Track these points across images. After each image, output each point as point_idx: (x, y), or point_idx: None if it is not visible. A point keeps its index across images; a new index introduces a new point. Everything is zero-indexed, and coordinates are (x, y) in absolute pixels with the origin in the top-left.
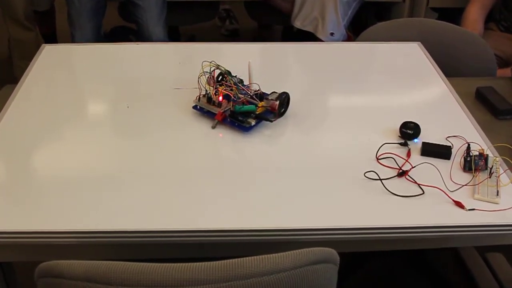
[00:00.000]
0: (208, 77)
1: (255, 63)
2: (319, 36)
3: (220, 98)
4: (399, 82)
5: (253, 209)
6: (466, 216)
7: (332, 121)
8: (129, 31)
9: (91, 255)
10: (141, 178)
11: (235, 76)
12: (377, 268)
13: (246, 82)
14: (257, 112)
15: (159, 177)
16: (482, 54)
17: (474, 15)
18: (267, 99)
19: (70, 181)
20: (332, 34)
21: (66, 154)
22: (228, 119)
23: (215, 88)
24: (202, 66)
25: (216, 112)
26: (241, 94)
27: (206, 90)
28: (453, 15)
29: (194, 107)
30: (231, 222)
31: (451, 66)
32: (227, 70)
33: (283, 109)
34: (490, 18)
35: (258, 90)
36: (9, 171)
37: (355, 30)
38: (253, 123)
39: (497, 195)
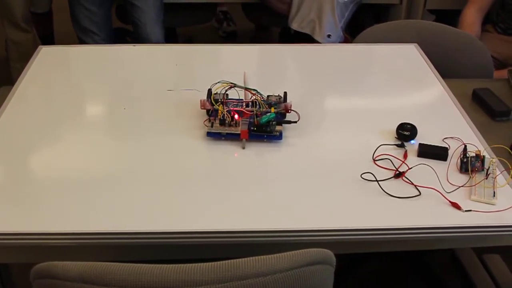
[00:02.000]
0: (205, 100)
1: (253, 64)
2: (316, 38)
3: (236, 116)
4: (396, 83)
5: (250, 211)
6: (463, 217)
7: (328, 123)
8: (125, 32)
9: (89, 257)
10: (139, 179)
11: (257, 91)
12: (374, 269)
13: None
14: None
15: (156, 178)
16: (479, 56)
17: (471, 17)
18: (270, 103)
19: (67, 182)
20: (329, 36)
21: (62, 156)
22: (253, 134)
23: (226, 108)
24: (211, 90)
25: (238, 132)
26: (239, 106)
27: (210, 111)
28: (451, 17)
29: (209, 135)
30: (227, 224)
31: (448, 68)
32: (232, 83)
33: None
34: (487, 20)
35: (258, 97)
36: (5, 173)
37: (352, 32)
38: (281, 129)
39: (494, 196)
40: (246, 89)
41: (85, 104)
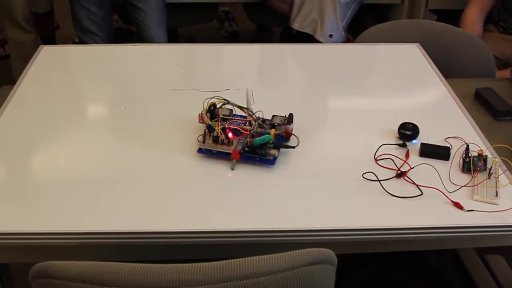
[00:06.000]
0: (201, 113)
1: (254, 64)
2: (318, 37)
3: (230, 134)
4: (398, 83)
5: (250, 211)
6: (465, 217)
7: (330, 122)
8: (127, 33)
9: (88, 256)
10: (139, 179)
11: (250, 110)
12: (376, 270)
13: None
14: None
15: (156, 178)
16: (481, 56)
17: (473, 17)
18: (273, 124)
19: (67, 182)
20: (330, 36)
21: (63, 156)
22: (245, 155)
23: (221, 125)
24: (206, 104)
25: (230, 151)
26: (239, 124)
27: (207, 129)
28: (452, 17)
29: (200, 151)
30: (228, 223)
31: (450, 68)
32: (227, 102)
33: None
34: (489, 20)
35: (251, 118)
36: (5, 172)
37: (353, 32)
38: (276, 154)
39: (496, 196)
40: (239, 107)
41: (85, 104)
